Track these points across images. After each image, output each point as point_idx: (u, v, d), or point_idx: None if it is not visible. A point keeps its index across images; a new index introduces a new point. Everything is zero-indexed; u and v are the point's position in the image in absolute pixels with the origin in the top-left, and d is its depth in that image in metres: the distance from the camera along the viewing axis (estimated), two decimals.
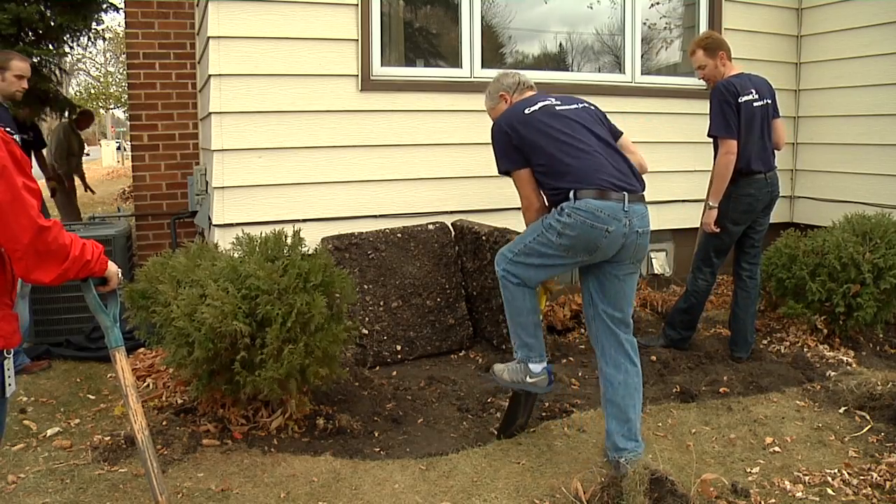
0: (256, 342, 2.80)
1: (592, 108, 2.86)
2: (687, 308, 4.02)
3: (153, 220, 5.92)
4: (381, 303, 4.01)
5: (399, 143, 4.43)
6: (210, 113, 4.08)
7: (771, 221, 4.02)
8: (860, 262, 3.93)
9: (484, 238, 4.09)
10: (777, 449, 2.95)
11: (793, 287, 4.15)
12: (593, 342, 2.78)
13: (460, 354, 4.15)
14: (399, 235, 4.15)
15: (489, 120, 4.63)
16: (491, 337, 4.17)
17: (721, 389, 3.54)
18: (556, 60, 5.34)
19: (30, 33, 7.30)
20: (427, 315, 4.10)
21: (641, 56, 5.15)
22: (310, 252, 3.16)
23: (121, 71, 25.20)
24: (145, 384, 3.62)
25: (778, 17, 5.50)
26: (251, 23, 4.04)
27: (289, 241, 3.10)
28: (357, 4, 4.24)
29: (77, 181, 8.10)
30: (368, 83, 4.32)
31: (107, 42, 23.41)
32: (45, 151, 7.34)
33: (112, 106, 27.64)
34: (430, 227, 4.27)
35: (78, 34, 7.97)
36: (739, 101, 3.66)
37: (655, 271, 5.26)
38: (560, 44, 5.36)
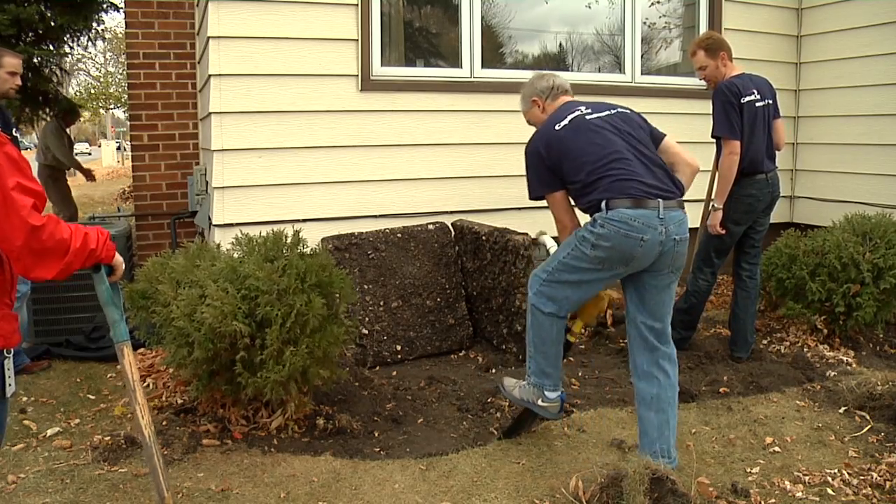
0: (256, 342, 2.80)
1: (627, 111, 2.79)
2: (687, 308, 4.02)
3: (153, 220, 5.92)
4: (381, 303, 4.01)
5: (399, 143, 4.43)
6: (210, 113, 4.08)
7: (771, 221, 4.02)
8: (860, 262, 3.93)
9: (484, 238, 4.09)
10: (777, 449, 2.95)
11: (793, 287, 4.15)
12: (629, 354, 2.74)
13: (460, 354, 4.15)
14: (399, 235, 4.15)
15: (489, 120, 4.68)
16: (491, 337, 4.17)
17: (721, 389, 3.54)
18: (556, 60, 5.34)
19: (30, 33, 7.31)
20: (427, 315, 4.10)
21: (641, 56, 5.15)
22: (310, 252, 3.16)
23: (121, 71, 25.19)
24: (145, 384, 3.61)
25: (778, 17, 5.50)
26: (251, 23, 4.04)
27: (288, 241, 3.10)
28: (357, 4, 4.25)
29: (74, 174, 8.12)
30: (368, 83, 4.32)
31: (107, 42, 23.43)
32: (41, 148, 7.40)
33: (112, 106, 27.64)
34: (430, 227, 4.27)
35: (78, 34, 7.98)
36: (742, 101, 3.66)
37: None
38: (560, 44, 5.36)
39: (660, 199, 2.52)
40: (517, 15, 5.11)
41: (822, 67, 5.45)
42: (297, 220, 4.06)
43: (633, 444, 2.91)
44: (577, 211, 2.77)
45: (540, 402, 2.78)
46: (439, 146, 4.54)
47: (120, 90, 24.68)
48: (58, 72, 8.27)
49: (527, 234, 4.02)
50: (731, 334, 4.05)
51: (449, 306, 4.17)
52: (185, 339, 2.81)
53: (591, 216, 2.62)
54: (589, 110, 2.72)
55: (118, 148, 28.76)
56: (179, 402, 3.34)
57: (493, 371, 3.84)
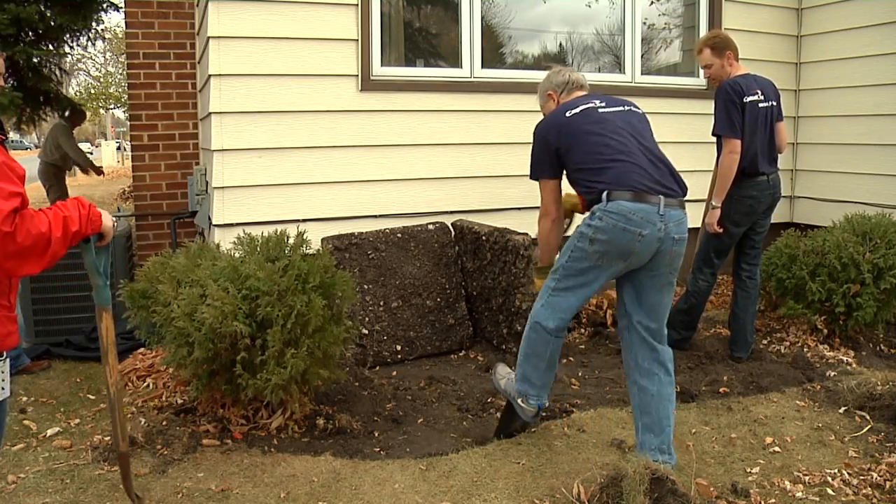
0: (257, 343, 2.80)
1: (640, 112, 2.82)
2: (687, 309, 4.02)
3: (153, 220, 5.92)
4: (381, 303, 4.01)
5: (399, 143, 4.44)
6: (210, 113, 4.08)
7: (771, 222, 4.01)
8: (860, 262, 3.93)
9: (484, 238, 4.09)
10: (777, 449, 2.95)
11: (793, 287, 4.15)
12: (625, 353, 2.73)
13: (460, 354, 4.15)
14: (399, 235, 4.15)
15: (489, 120, 4.68)
16: (491, 337, 4.17)
17: (721, 389, 3.54)
18: (556, 60, 5.34)
19: (30, 33, 7.32)
20: (427, 315, 4.11)
21: (641, 56, 5.15)
22: (312, 253, 3.16)
23: (121, 71, 25.19)
24: (145, 384, 3.62)
25: (778, 17, 5.50)
26: (251, 23, 4.04)
27: (290, 241, 3.09)
28: (357, 4, 4.25)
29: (75, 174, 8.32)
30: (368, 83, 4.32)
31: (107, 42, 23.44)
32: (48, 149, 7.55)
33: (112, 106, 27.64)
34: (430, 227, 4.27)
35: (78, 34, 7.99)
36: (744, 100, 3.65)
37: None
38: (560, 44, 5.36)
39: (661, 196, 2.51)
40: (517, 15, 5.11)
41: (822, 67, 5.45)
42: (297, 221, 4.06)
43: (633, 444, 2.91)
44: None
45: (519, 402, 2.80)
46: (439, 146, 4.54)
47: (120, 90, 24.69)
48: (57, 72, 8.28)
49: (527, 234, 4.02)
50: (730, 334, 4.05)
51: (449, 306, 4.17)
52: (186, 339, 2.80)
53: (590, 206, 2.62)
54: (603, 104, 2.75)
55: (118, 148, 28.76)
56: (179, 402, 3.34)
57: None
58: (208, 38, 4.02)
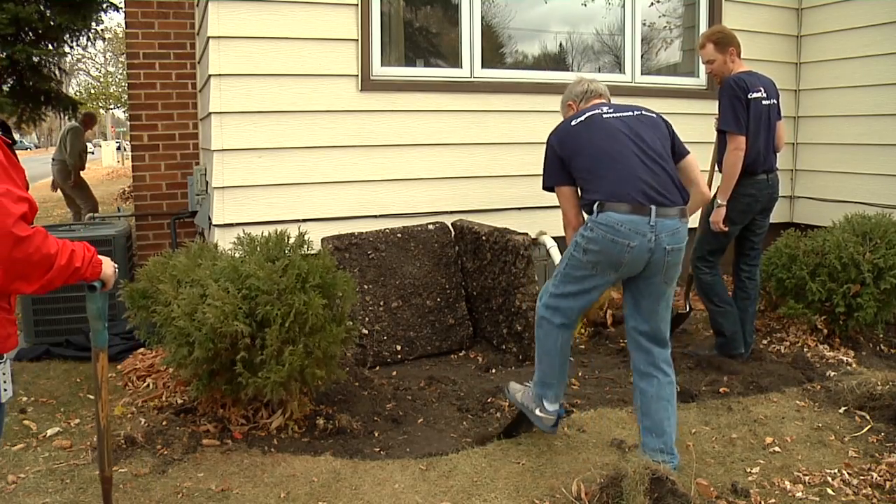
0: (256, 342, 2.80)
1: (653, 115, 2.78)
2: (720, 311, 3.87)
3: (153, 220, 5.92)
4: (381, 303, 4.01)
5: (399, 143, 4.44)
6: (210, 113, 4.08)
7: (771, 221, 4.00)
8: (860, 262, 3.93)
9: (484, 238, 4.09)
10: (777, 449, 2.95)
11: (793, 287, 4.15)
12: (630, 357, 2.77)
13: (460, 354, 4.15)
14: (399, 235, 4.15)
15: (489, 120, 4.68)
16: (491, 337, 4.17)
17: (721, 389, 3.54)
18: (556, 60, 5.34)
19: (29, 33, 7.33)
20: (427, 315, 4.11)
21: (641, 56, 5.15)
22: (312, 252, 3.16)
23: (121, 71, 25.20)
24: (145, 384, 3.62)
25: (778, 17, 5.50)
26: (251, 23, 4.04)
27: (291, 241, 3.09)
28: (357, 4, 4.25)
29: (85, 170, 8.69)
30: (368, 83, 4.32)
31: (107, 42, 23.44)
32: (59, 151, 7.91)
33: (112, 106, 27.66)
34: (430, 227, 4.27)
35: (78, 34, 8.01)
36: (749, 97, 3.64)
37: None
38: (560, 44, 5.36)
39: (653, 206, 2.49)
40: (517, 15, 5.11)
41: (822, 67, 5.44)
42: (298, 221, 4.06)
43: (633, 444, 2.91)
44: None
45: (537, 412, 2.79)
46: (439, 146, 4.54)
47: (120, 90, 24.70)
48: (57, 71, 8.30)
49: (527, 234, 4.02)
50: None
51: (449, 306, 4.17)
52: (186, 339, 2.80)
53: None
54: (610, 110, 2.74)
55: (118, 148, 28.75)
56: (179, 402, 3.34)
57: (493, 371, 3.84)
58: (208, 38, 4.02)
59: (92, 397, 3.56)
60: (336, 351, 2.98)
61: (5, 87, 7.56)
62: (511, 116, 4.69)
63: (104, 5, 7.95)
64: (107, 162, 26.19)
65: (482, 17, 4.65)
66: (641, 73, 5.13)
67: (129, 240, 4.88)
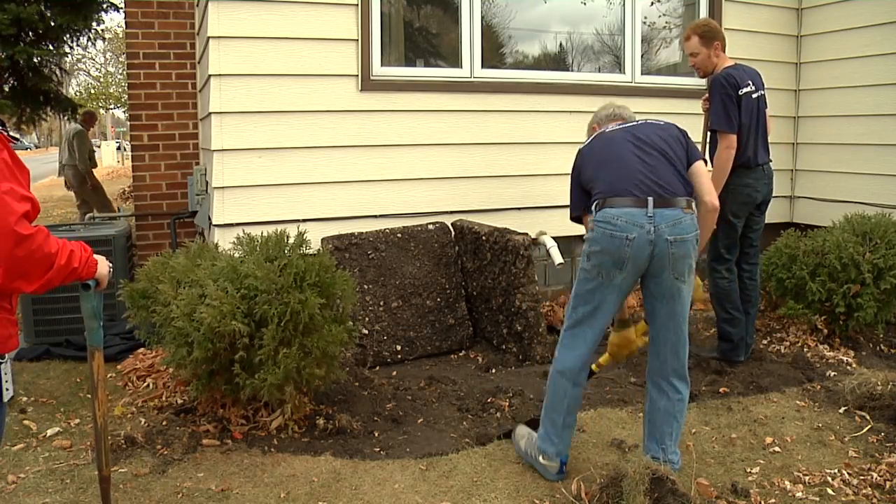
0: (255, 342, 2.80)
1: (661, 123, 2.72)
2: (730, 319, 3.84)
3: (153, 220, 5.92)
4: (381, 303, 4.01)
5: (399, 142, 4.44)
6: (210, 113, 4.08)
7: (771, 221, 4.00)
8: (860, 262, 3.93)
9: (484, 238, 4.09)
10: (777, 449, 2.95)
11: (793, 287, 4.15)
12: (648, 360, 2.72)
13: (460, 354, 4.15)
14: (399, 235, 4.15)
15: (489, 119, 4.68)
16: (491, 337, 4.17)
17: (721, 389, 3.54)
18: (556, 60, 5.34)
19: (30, 33, 7.33)
20: (427, 315, 4.11)
21: (641, 56, 5.15)
22: (312, 252, 3.16)
23: (121, 71, 25.22)
24: (145, 384, 3.62)
25: (778, 17, 5.50)
26: (251, 23, 4.04)
27: (291, 241, 3.09)
28: (357, 4, 4.25)
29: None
30: (368, 83, 4.32)
31: (107, 42, 23.45)
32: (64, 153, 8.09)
33: (112, 106, 27.67)
34: (430, 227, 4.27)
35: (78, 34, 8.02)
36: (740, 93, 3.64)
37: None
38: (560, 44, 5.36)
39: (650, 198, 2.45)
40: (517, 15, 5.11)
41: (822, 67, 5.44)
42: (297, 221, 4.06)
43: (633, 444, 2.91)
44: None
45: (541, 459, 2.70)
46: (439, 146, 4.54)
47: (120, 90, 24.72)
48: (58, 71, 8.31)
49: (527, 234, 4.02)
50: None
51: (449, 306, 4.17)
52: (185, 339, 2.81)
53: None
54: (617, 126, 2.74)
55: (118, 148, 28.76)
56: (179, 402, 3.34)
57: (493, 371, 3.84)
58: (208, 38, 4.02)
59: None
60: (335, 351, 2.98)
61: (6, 88, 7.57)
62: (511, 116, 4.69)
63: (104, 5, 7.96)
64: (107, 162, 26.17)
65: (482, 17, 4.65)
66: (641, 73, 5.13)
67: (129, 240, 4.88)
